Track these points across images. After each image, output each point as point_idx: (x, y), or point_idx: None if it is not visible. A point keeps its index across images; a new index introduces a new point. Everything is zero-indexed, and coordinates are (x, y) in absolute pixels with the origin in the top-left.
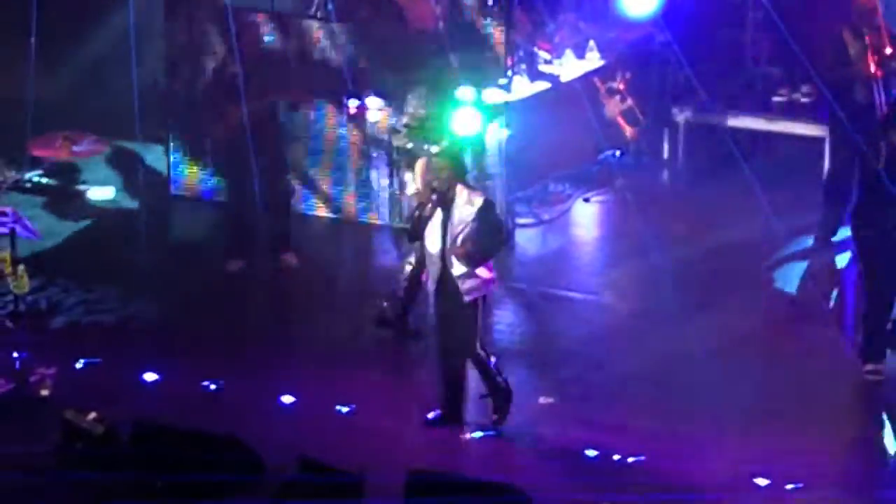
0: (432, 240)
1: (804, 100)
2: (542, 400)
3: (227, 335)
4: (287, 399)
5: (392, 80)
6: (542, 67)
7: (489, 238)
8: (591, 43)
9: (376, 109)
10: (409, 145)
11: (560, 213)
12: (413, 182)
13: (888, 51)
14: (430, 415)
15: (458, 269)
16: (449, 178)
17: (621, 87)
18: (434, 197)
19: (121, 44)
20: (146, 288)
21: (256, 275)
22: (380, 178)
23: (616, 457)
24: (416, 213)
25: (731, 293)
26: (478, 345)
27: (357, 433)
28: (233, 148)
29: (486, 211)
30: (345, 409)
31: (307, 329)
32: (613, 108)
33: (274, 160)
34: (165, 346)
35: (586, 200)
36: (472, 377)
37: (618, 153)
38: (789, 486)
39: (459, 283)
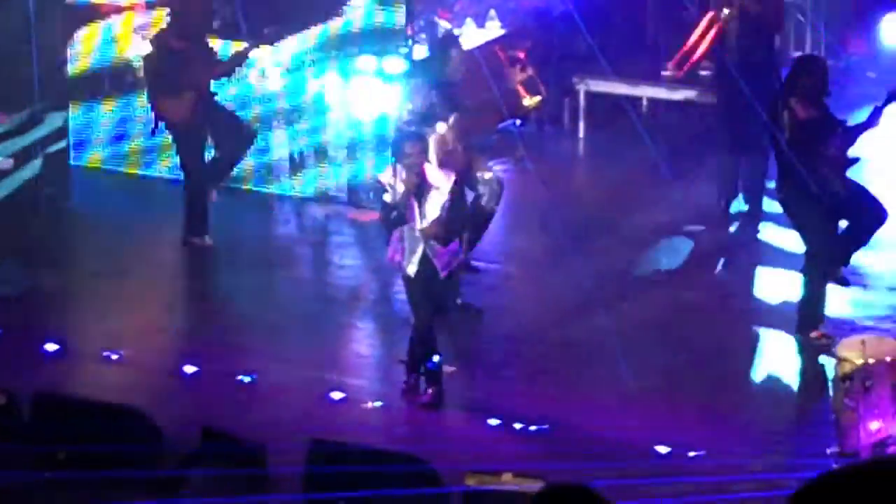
0: (413, 223)
1: (703, 72)
2: (446, 369)
3: (131, 306)
4: (190, 369)
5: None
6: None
7: (460, 212)
8: (492, 12)
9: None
10: None
11: None
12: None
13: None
14: (425, 398)
15: (433, 248)
16: (422, 159)
17: (522, 55)
18: (414, 180)
19: (18, 13)
20: (47, 259)
21: (164, 246)
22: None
23: (518, 425)
24: (400, 199)
25: (633, 261)
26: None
27: (260, 403)
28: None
29: (459, 188)
30: (247, 379)
31: (211, 300)
32: (514, 76)
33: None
34: (67, 318)
35: (488, 169)
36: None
37: (518, 122)
38: (691, 454)
39: (437, 261)
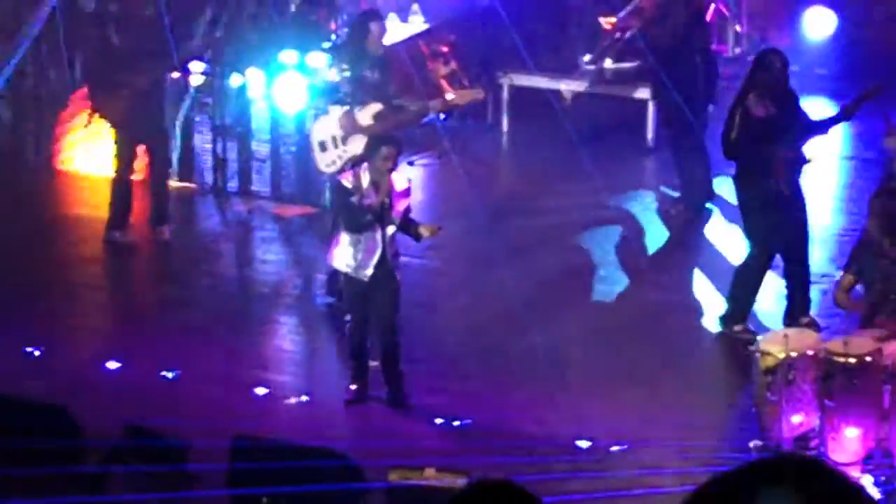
0: (377, 226)
1: (628, 64)
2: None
3: (51, 302)
4: (112, 365)
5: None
6: None
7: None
8: (415, 6)
9: (199, 73)
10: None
11: None
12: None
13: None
14: (349, 395)
15: (391, 250)
16: (393, 166)
17: (446, 49)
18: (381, 183)
19: None
20: None
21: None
22: (203, 143)
23: (440, 421)
24: (377, 202)
25: (554, 253)
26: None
27: (182, 398)
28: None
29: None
30: (170, 375)
31: (133, 296)
32: (438, 71)
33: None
34: None
35: (410, 164)
36: None
37: (442, 116)
38: (614, 448)
39: (393, 262)
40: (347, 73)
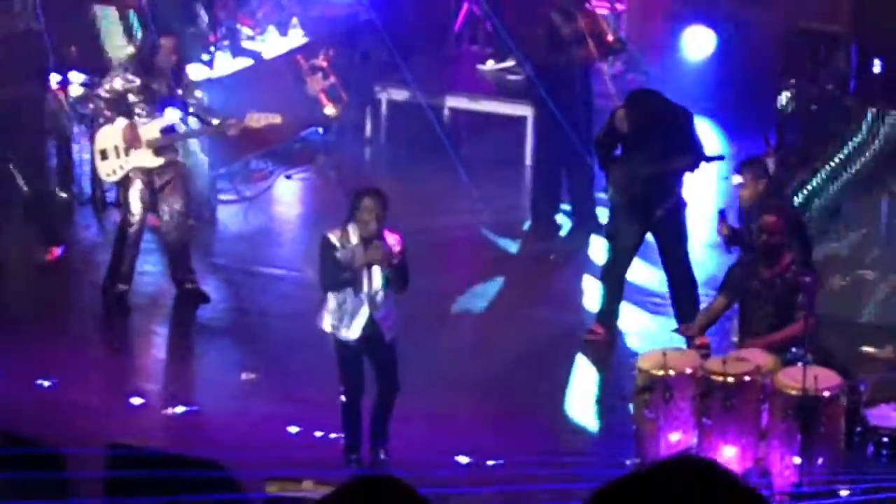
0: (360, 284)
1: (511, 77)
2: (244, 376)
3: None
4: None
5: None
6: (245, 44)
7: (404, 276)
8: (294, 20)
9: (78, 84)
10: (107, 113)
11: (262, 189)
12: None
13: (603, 34)
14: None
15: (379, 310)
16: (380, 218)
17: (324, 64)
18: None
19: None
20: None
21: None
22: (82, 153)
23: (318, 433)
24: (360, 262)
25: (435, 270)
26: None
27: (58, 407)
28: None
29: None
30: (46, 384)
31: (9, 304)
32: (316, 85)
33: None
34: None
35: (288, 177)
36: None
37: (320, 130)
38: (490, 463)
39: (383, 324)
40: (135, 85)
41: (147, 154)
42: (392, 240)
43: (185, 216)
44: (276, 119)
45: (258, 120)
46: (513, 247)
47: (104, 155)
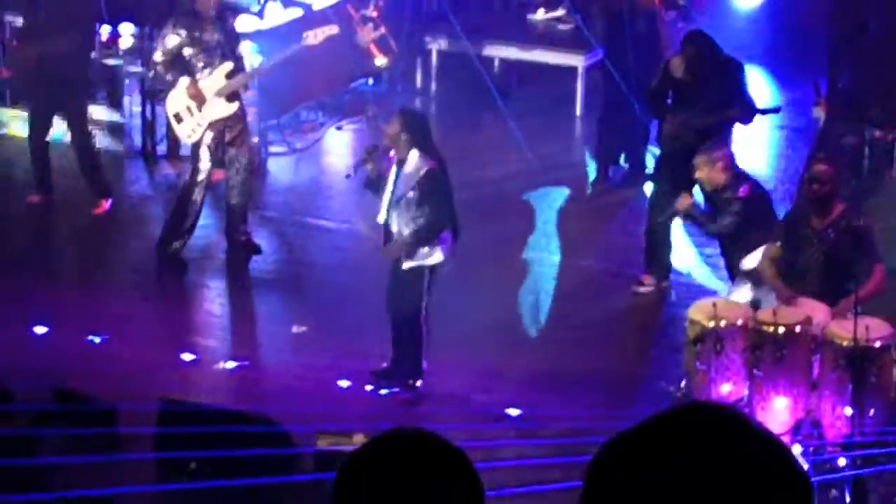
0: (381, 205)
1: (562, 26)
2: (295, 329)
3: None
4: (40, 330)
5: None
6: None
7: (433, 211)
8: None
9: (129, 35)
10: (169, 76)
11: (312, 141)
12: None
13: None
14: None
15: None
16: (405, 142)
17: (375, 14)
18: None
19: None
20: None
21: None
22: (132, 106)
23: (368, 387)
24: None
25: (483, 221)
26: (422, 315)
27: (109, 363)
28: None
29: (429, 181)
30: (97, 339)
31: (62, 260)
32: (366, 35)
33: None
34: None
35: (339, 129)
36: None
37: (371, 81)
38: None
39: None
40: (185, 38)
41: (220, 103)
42: (416, 164)
43: (251, 171)
44: (334, 30)
45: (316, 35)
46: (563, 197)
47: (178, 118)
